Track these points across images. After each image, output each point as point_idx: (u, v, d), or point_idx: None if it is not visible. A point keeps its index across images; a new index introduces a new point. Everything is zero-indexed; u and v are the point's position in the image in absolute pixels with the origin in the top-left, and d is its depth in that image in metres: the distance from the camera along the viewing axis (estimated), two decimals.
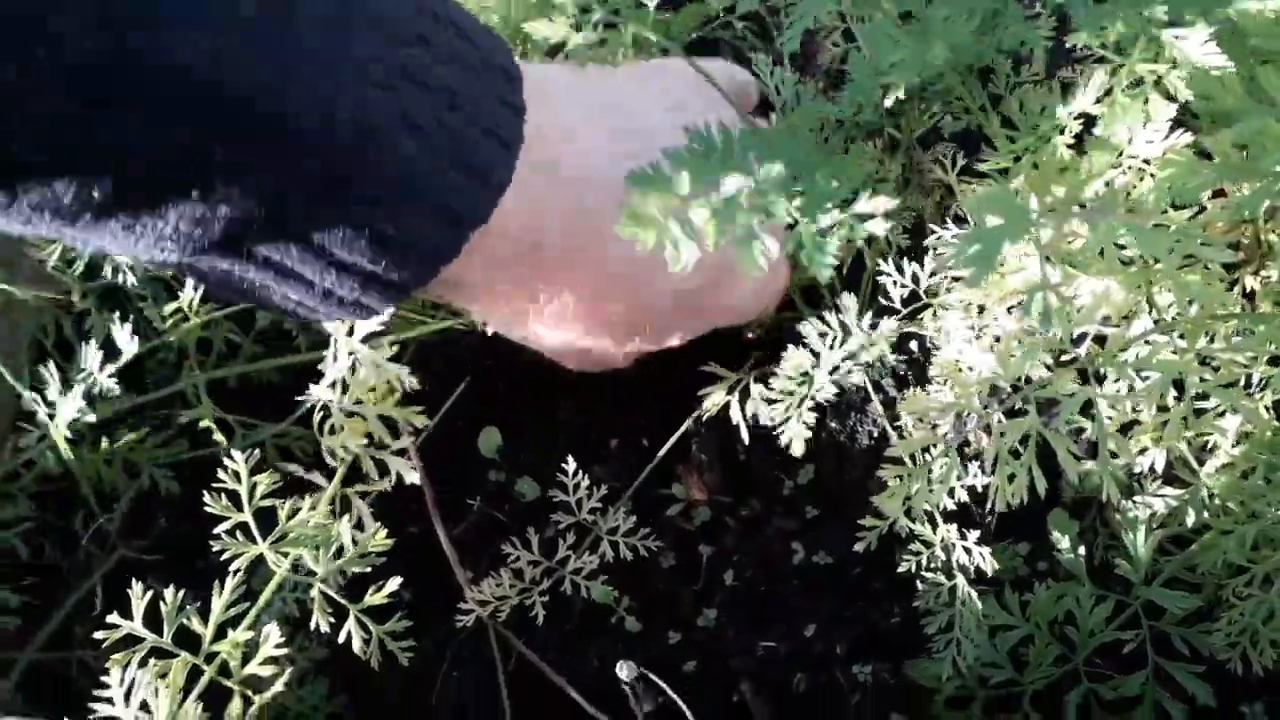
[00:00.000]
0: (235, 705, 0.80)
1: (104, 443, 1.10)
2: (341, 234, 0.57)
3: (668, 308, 0.84)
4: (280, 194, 0.53)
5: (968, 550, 0.91)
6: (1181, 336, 0.79)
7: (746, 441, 1.04)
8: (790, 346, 1.01)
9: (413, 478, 0.88)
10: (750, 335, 1.17)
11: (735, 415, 1.03)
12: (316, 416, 0.87)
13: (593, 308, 0.78)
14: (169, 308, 1.11)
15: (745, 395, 1.03)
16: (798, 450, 0.98)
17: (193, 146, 0.49)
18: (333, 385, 0.86)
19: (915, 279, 0.99)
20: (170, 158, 0.49)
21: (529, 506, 1.11)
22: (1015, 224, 0.63)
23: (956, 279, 0.90)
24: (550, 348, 0.91)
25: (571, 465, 1.03)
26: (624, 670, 1.00)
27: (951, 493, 0.88)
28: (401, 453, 0.89)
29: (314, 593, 0.85)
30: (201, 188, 0.51)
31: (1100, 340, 0.85)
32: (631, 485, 1.07)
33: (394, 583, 0.88)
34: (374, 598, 0.86)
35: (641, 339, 0.88)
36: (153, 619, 0.80)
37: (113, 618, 0.79)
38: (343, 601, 0.86)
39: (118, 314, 1.12)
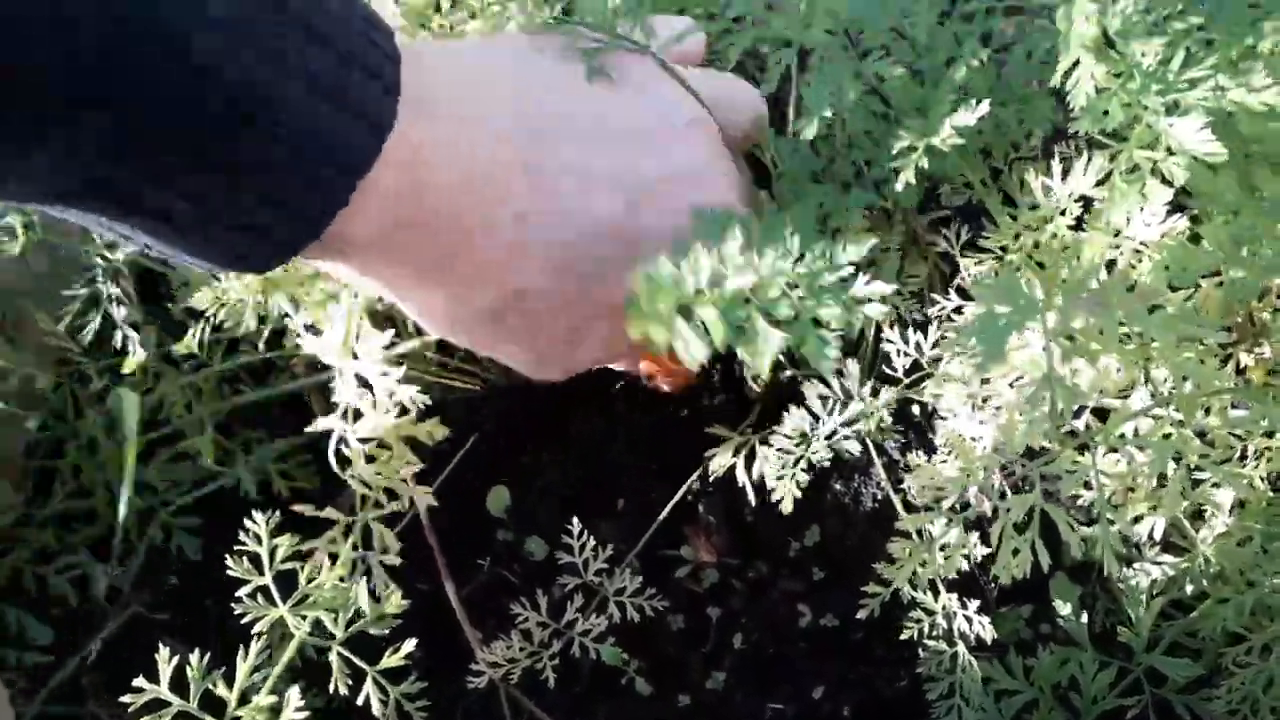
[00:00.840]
0: None
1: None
2: (218, 181, 0.53)
3: (551, 295, 0.69)
4: (143, 135, 0.50)
5: (968, 619, 0.93)
6: (1178, 410, 0.82)
7: (753, 503, 1.06)
8: (791, 408, 1.04)
9: (427, 502, 0.88)
10: (753, 392, 1.20)
11: (741, 477, 1.05)
12: (331, 445, 0.88)
13: (459, 292, 0.67)
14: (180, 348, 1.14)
15: (751, 456, 1.05)
16: (787, 507, 1.00)
17: (59, 80, 0.46)
18: (344, 414, 0.87)
19: (918, 348, 1.02)
20: (37, 94, 0.46)
21: (538, 566, 1.13)
22: (1022, 313, 0.65)
23: (959, 351, 0.93)
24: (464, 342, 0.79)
25: (577, 526, 1.04)
26: None
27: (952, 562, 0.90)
28: (421, 478, 0.90)
29: (332, 656, 0.86)
30: (69, 125, 0.48)
31: (1100, 413, 0.88)
32: (637, 545, 1.09)
33: (409, 644, 0.89)
34: (391, 659, 0.88)
35: (527, 346, 0.73)
36: (173, 680, 0.81)
37: (139, 681, 0.80)
38: (361, 664, 0.87)
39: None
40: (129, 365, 1.13)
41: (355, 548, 0.88)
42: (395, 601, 0.89)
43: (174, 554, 1.16)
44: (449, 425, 1.21)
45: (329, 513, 0.88)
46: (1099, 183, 0.89)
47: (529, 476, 1.17)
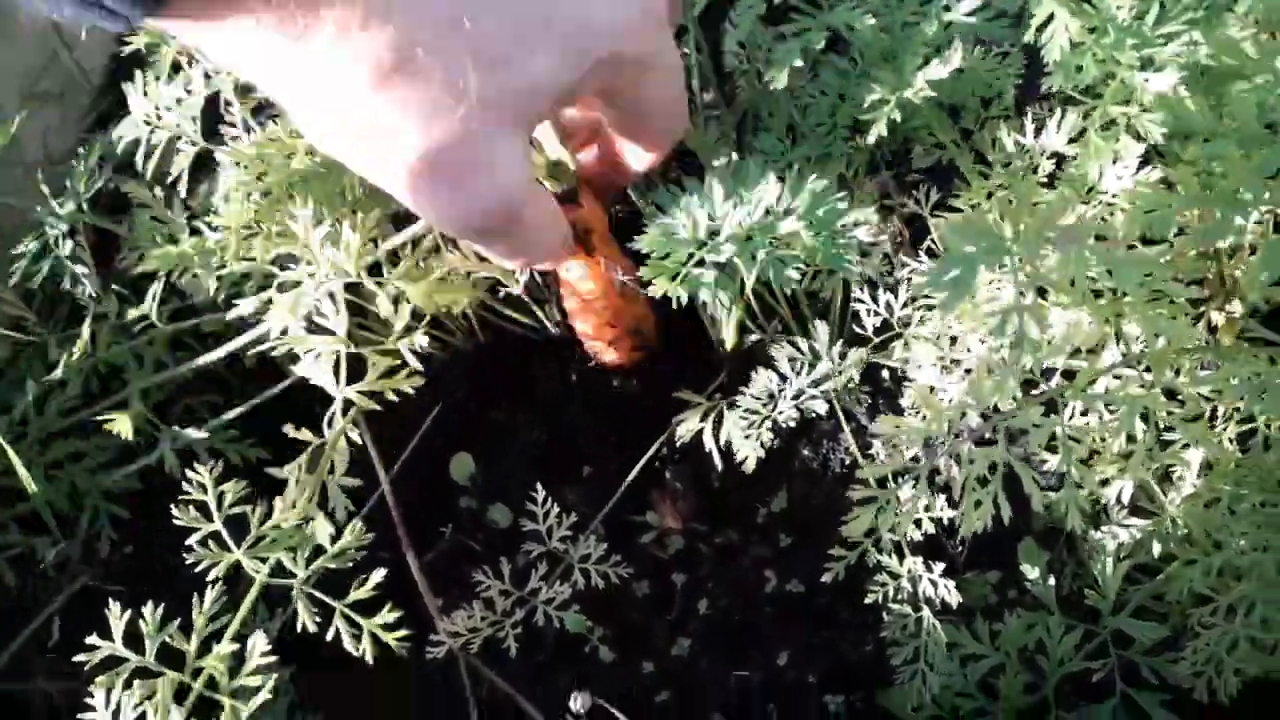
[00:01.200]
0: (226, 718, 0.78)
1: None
2: None
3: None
4: None
5: (934, 582, 0.92)
6: (1148, 370, 0.81)
7: (720, 468, 1.04)
8: (760, 369, 1.02)
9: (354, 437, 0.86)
10: (719, 357, 1.18)
11: (709, 442, 1.03)
12: None
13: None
14: (133, 313, 1.10)
15: (718, 421, 1.03)
16: (750, 466, 0.98)
17: None
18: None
19: (889, 308, 1.00)
20: None
21: (501, 533, 1.11)
22: (990, 250, 0.64)
23: (930, 308, 0.92)
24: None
25: (541, 493, 1.02)
26: (578, 701, 0.99)
27: (919, 524, 0.89)
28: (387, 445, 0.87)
29: (296, 593, 0.83)
30: None
31: (1069, 375, 0.87)
32: (602, 512, 1.07)
33: (379, 574, 0.86)
34: (359, 592, 0.85)
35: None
36: (129, 640, 0.78)
37: (92, 639, 0.77)
38: (328, 600, 0.84)
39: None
40: (80, 345, 1.09)
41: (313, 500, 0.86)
42: (357, 531, 0.86)
43: (118, 527, 1.13)
44: (414, 390, 1.19)
45: (288, 470, 0.86)
46: (1072, 140, 0.88)
47: (494, 443, 1.15)
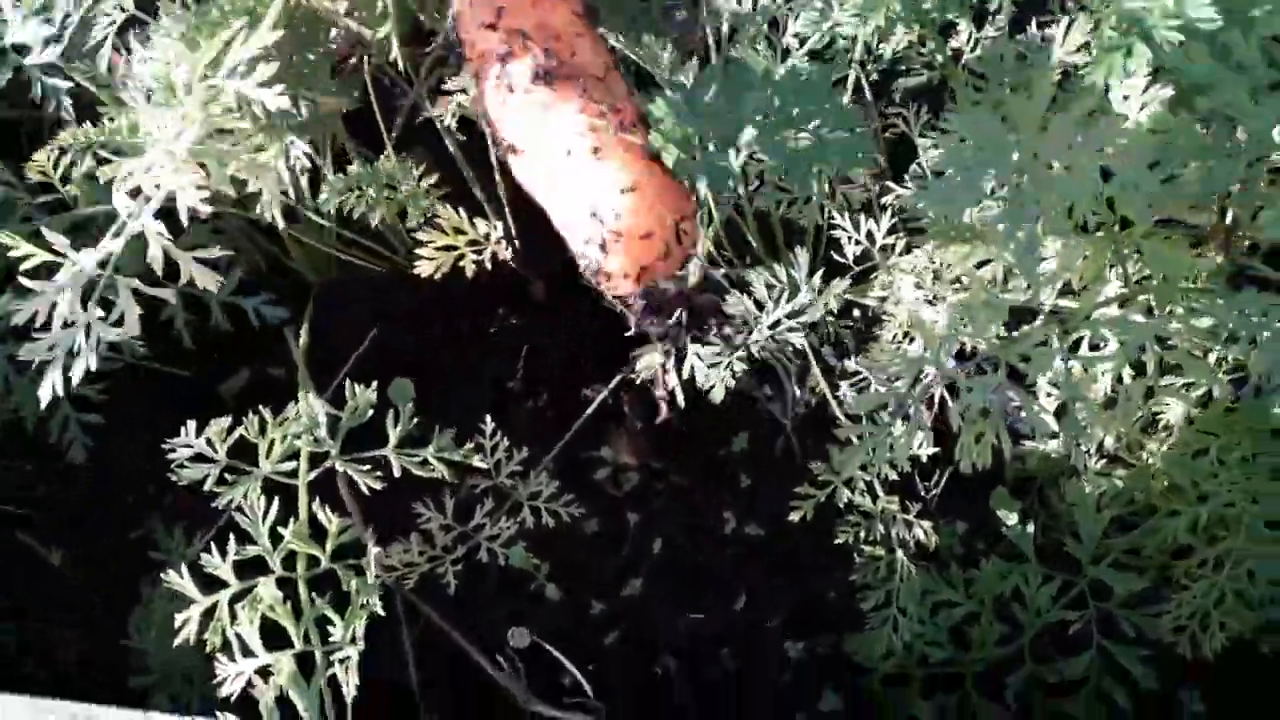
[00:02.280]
0: None
1: None
2: None
3: None
4: None
5: (908, 523, 0.86)
6: (1149, 311, 0.76)
7: (681, 404, 0.97)
8: (735, 293, 0.95)
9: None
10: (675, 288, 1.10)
11: (671, 379, 0.96)
12: None
13: None
14: None
15: (681, 357, 0.96)
16: (718, 396, 0.91)
17: None
18: None
19: (870, 237, 0.94)
20: None
21: (445, 465, 1.03)
22: (999, 150, 0.57)
23: (918, 231, 0.86)
24: None
25: (490, 425, 0.95)
26: (515, 638, 0.93)
27: (894, 465, 0.83)
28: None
29: None
30: None
31: (1059, 314, 0.81)
32: (556, 447, 1.00)
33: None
34: None
35: None
36: None
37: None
38: None
39: None
40: None
41: None
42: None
43: None
44: (348, 306, 1.10)
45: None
46: (1081, 48, 0.82)
47: (439, 369, 1.07)
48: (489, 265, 1.05)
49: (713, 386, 0.90)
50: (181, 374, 1.07)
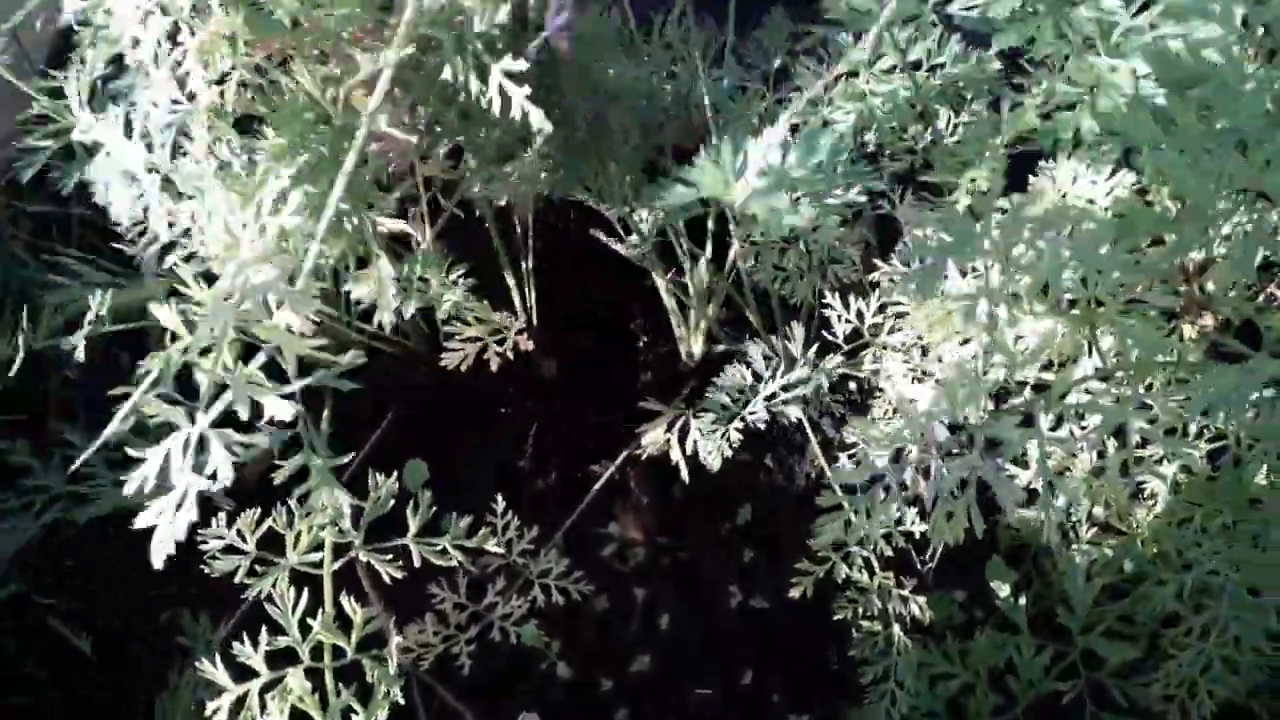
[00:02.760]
0: None
1: None
2: None
3: None
4: None
5: (904, 598, 0.89)
6: (1122, 384, 0.79)
7: (686, 480, 1.01)
8: (733, 364, 0.99)
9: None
10: (687, 365, 1.15)
11: (675, 454, 1.00)
12: None
13: None
14: None
15: (684, 432, 1.00)
16: (714, 465, 0.95)
17: None
18: None
19: (860, 315, 0.98)
20: None
21: (456, 545, 1.06)
22: (962, 239, 0.62)
23: (901, 315, 0.90)
24: None
25: (501, 504, 0.98)
26: None
27: (889, 538, 0.86)
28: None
29: None
30: None
31: (1042, 389, 0.85)
32: (565, 524, 1.03)
33: None
34: None
35: None
36: None
37: None
38: None
39: None
40: None
41: None
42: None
43: None
44: (368, 393, 1.15)
45: None
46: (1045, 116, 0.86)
47: (450, 449, 1.11)
48: (510, 355, 1.09)
49: (708, 456, 0.93)
50: None
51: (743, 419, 0.95)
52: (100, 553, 1.07)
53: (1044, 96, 0.81)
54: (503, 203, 0.98)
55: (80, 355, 0.90)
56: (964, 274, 0.74)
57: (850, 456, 0.99)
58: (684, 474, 1.00)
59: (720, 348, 1.10)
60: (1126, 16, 0.72)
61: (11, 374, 0.92)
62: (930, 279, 0.56)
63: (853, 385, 1.07)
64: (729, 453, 0.93)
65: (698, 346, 1.12)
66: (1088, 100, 0.73)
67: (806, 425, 1.02)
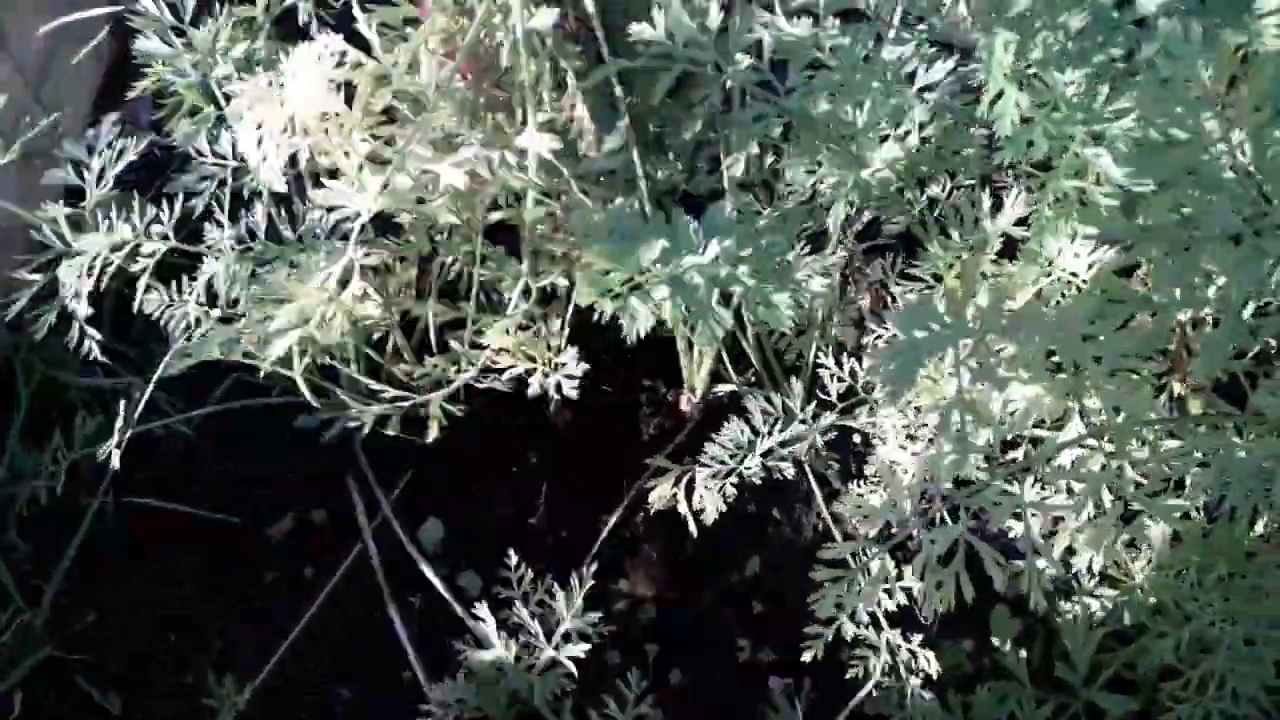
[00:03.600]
0: None
1: None
2: None
3: None
4: None
5: (913, 653, 0.91)
6: (1110, 441, 0.81)
7: (695, 534, 1.03)
8: (732, 418, 1.02)
9: None
10: (686, 411, 1.17)
11: (683, 508, 1.03)
12: None
13: None
14: None
15: (690, 487, 1.03)
16: (709, 518, 0.98)
17: None
18: None
19: (853, 375, 1.00)
20: None
21: (474, 601, 1.09)
22: (936, 338, 0.64)
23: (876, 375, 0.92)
24: None
25: (514, 559, 1.01)
26: None
27: (890, 594, 0.88)
28: None
29: None
30: None
31: (1035, 442, 0.87)
32: (576, 581, 1.06)
33: None
34: None
35: None
36: None
37: None
38: None
39: None
40: None
41: None
42: None
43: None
44: (386, 452, 1.18)
45: None
46: (1021, 221, 0.88)
47: (462, 509, 1.14)
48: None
49: (702, 508, 0.96)
50: (230, 520, 1.15)
51: (739, 474, 0.97)
52: None
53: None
54: None
55: None
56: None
57: (845, 506, 1.01)
58: (692, 528, 1.02)
59: (726, 387, 1.13)
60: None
61: None
62: (904, 373, 0.59)
63: (856, 437, 1.09)
64: (724, 507, 0.96)
65: (700, 387, 1.14)
66: (1073, 197, 0.76)
67: (811, 480, 1.04)
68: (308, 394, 1.02)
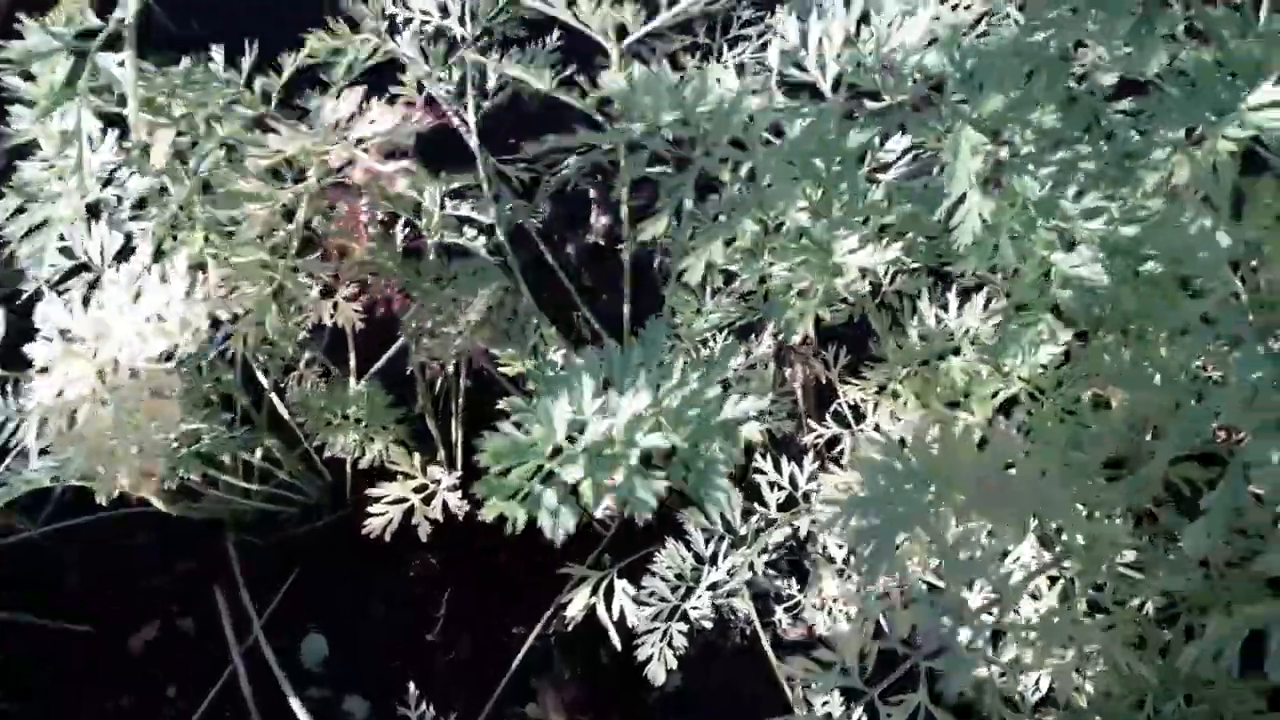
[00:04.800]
0: None
1: None
2: None
3: None
4: None
5: None
6: (1072, 581, 0.74)
7: (618, 647, 0.92)
8: (669, 541, 0.91)
9: None
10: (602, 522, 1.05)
11: (604, 618, 0.91)
12: None
13: None
14: None
15: (610, 594, 0.92)
16: (658, 678, 0.87)
17: None
18: None
19: (793, 481, 0.90)
20: None
21: None
22: (911, 516, 0.56)
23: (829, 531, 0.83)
24: None
25: (414, 690, 0.89)
26: None
27: None
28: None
29: None
30: None
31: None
32: (482, 711, 0.95)
33: None
34: None
35: None
36: None
37: None
38: None
39: None
40: None
41: None
42: None
43: None
44: (264, 555, 1.05)
45: None
46: (987, 320, 0.81)
47: (352, 620, 1.01)
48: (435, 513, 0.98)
49: (646, 660, 0.86)
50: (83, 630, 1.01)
51: (684, 616, 0.87)
52: None
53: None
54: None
55: None
56: None
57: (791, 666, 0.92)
58: (615, 640, 0.92)
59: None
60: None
61: None
62: (882, 555, 0.50)
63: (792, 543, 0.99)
64: (674, 664, 0.85)
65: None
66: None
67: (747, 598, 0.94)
68: (160, 505, 0.89)
